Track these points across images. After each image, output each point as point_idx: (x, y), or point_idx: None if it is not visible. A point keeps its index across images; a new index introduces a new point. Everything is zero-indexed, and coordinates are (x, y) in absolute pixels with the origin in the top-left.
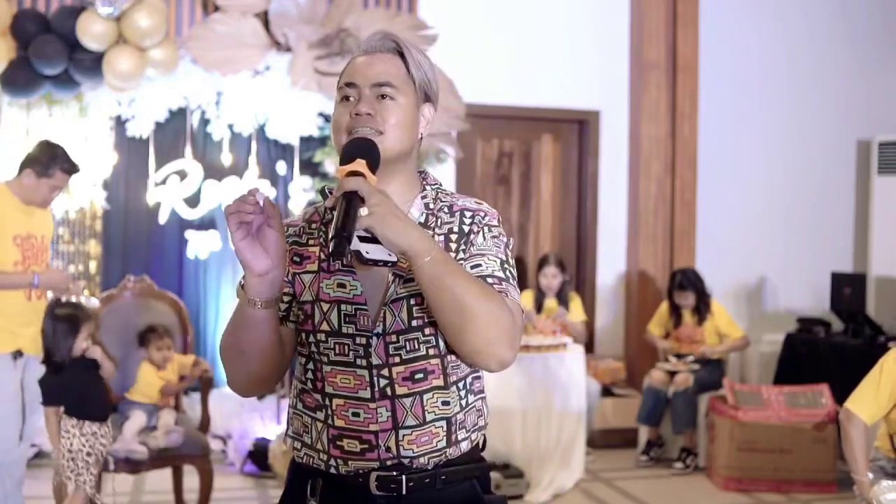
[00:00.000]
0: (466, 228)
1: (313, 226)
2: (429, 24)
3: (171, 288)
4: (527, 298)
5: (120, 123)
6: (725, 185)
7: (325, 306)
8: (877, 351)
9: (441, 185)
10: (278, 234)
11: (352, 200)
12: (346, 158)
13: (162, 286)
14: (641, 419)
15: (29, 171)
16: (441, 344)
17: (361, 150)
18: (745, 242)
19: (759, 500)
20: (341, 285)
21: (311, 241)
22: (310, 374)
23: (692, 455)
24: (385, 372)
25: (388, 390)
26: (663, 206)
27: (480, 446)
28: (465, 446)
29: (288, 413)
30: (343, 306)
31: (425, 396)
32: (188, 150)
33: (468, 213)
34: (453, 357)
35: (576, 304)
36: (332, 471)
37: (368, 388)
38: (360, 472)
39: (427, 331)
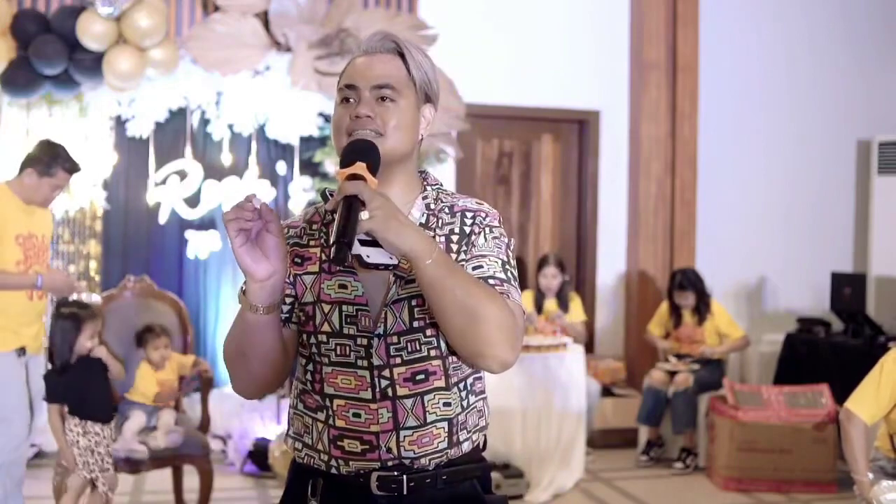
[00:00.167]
0: (467, 229)
1: (314, 226)
2: (429, 24)
3: (171, 288)
4: (526, 299)
5: (120, 123)
6: (725, 185)
7: (327, 307)
8: (877, 351)
9: (442, 185)
10: (278, 240)
11: (352, 205)
12: (345, 161)
13: (162, 286)
14: (641, 419)
15: (30, 170)
16: (442, 345)
17: (361, 152)
18: (745, 242)
19: (759, 500)
20: (342, 286)
21: (311, 243)
22: (310, 375)
23: (692, 455)
24: (386, 373)
25: (389, 391)
26: (663, 206)
27: (481, 446)
28: (466, 447)
29: (289, 413)
30: (344, 307)
31: (426, 397)
32: (188, 150)
33: (469, 214)
34: (455, 358)
35: (576, 304)
36: (333, 471)
37: (369, 389)
38: (361, 472)
39: (428, 332)
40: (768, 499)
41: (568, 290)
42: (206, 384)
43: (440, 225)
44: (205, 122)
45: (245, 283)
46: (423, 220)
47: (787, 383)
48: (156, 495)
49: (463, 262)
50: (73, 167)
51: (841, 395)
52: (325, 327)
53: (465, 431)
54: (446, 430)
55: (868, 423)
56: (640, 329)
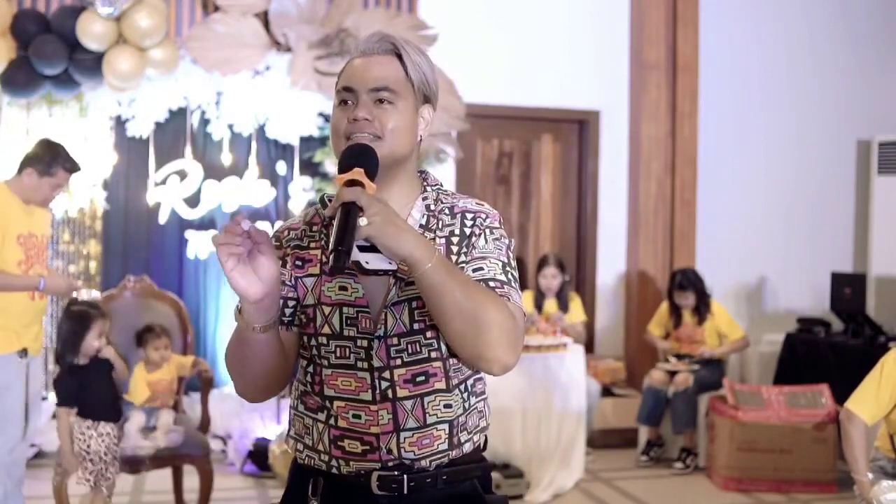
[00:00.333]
0: (468, 231)
1: (314, 228)
2: (429, 24)
3: (171, 288)
4: (526, 299)
5: (120, 123)
6: (725, 185)
7: (327, 309)
8: (877, 351)
9: (442, 185)
10: (270, 260)
11: (350, 211)
12: (343, 166)
13: (162, 286)
14: (641, 419)
15: (30, 169)
16: (443, 347)
17: (359, 157)
18: (745, 242)
19: (759, 500)
20: (343, 288)
21: (312, 244)
22: (311, 377)
23: (692, 455)
24: (386, 374)
25: (390, 393)
26: (663, 206)
27: (482, 447)
28: (467, 448)
29: (289, 414)
30: (345, 309)
31: (427, 399)
32: (188, 150)
33: (469, 215)
34: (455, 360)
35: (576, 304)
36: (334, 471)
37: (369, 391)
38: (362, 472)
39: (429, 334)
40: (768, 499)
41: (568, 291)
42: (206, 384)
43: (440, 226)
44: (205, 122)
45: (240, 302)
46: (423, 222)
47: (787, 383)
48: (156, 495)
49: (463, 264)
50: (73, 167)
51: (841, 395)
52: (326, 329)
53: (465, 432)
54: (447, 431)
55: (868, 423)
56: (640, 329)
